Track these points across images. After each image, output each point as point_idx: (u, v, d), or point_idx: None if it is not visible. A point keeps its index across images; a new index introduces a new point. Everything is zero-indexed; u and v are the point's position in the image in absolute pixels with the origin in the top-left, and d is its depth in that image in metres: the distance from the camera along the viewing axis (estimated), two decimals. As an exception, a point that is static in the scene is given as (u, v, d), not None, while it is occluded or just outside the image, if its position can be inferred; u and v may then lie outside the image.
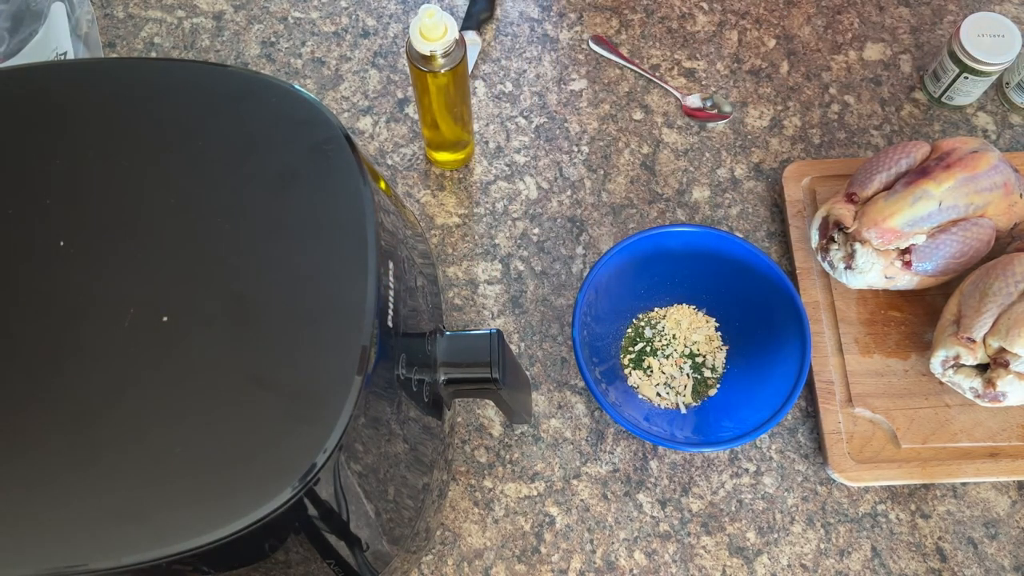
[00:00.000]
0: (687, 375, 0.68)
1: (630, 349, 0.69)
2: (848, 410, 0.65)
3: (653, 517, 0.64)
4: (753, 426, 0.60)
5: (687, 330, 0.69)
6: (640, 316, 0.70)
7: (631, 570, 0.62)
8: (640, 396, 0.67)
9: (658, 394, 0.67)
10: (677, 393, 0.67)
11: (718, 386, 0.67)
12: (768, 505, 0.64)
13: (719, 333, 0.69)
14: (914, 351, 0.68)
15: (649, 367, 0.68)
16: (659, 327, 0.70)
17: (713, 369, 0.68)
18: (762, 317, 0.66)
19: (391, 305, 0.42)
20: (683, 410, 0.67)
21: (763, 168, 0.77)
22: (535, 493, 0.65)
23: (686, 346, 0.69)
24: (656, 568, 0.63)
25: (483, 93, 0.80)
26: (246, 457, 0.36)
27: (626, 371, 0.68)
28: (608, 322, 0.68)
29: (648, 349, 0.69)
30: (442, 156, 0.75)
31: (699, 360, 0.68)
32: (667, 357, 0.68)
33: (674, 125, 0.79)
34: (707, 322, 0.70)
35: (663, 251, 0.67)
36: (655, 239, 0.66)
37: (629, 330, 0.70)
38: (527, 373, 0.69)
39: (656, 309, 0.70)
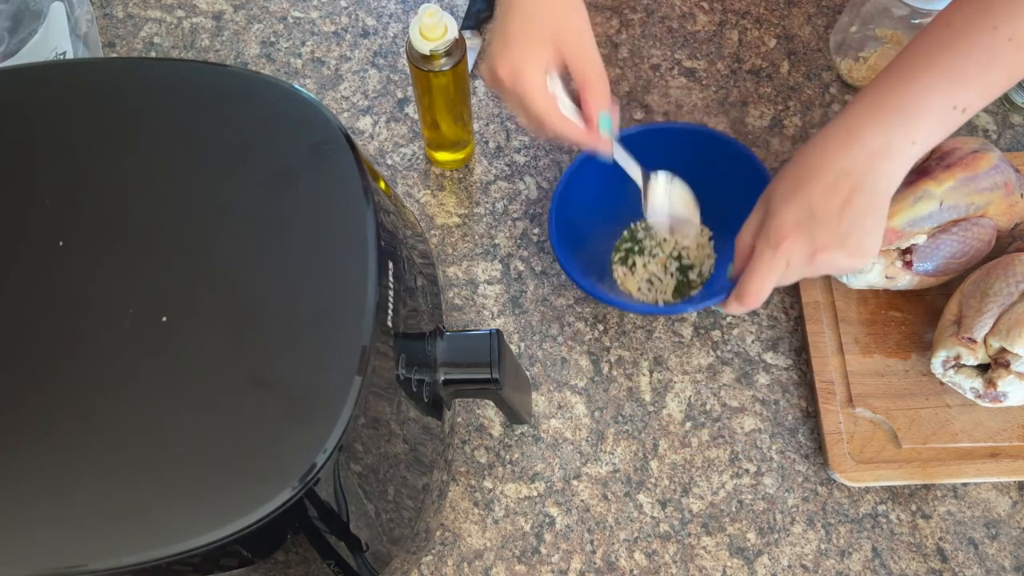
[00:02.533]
0: (671, 275, 0.70)
1: (620, 248, 0.72)
2: (848, 410, 0.65)
3: (653, 517, 0.64)
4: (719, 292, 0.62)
5: (679, 236, 0.71)
6: (638, 223, 0.72)
7: (631, 571, 0.62)
8: (622, 289, 0.70)
9: (639, 289, 0.70)
10: (659, 292, 0.70)
11: (701, 289, 0.69)
12: (768, 505, 0.64)
13: (712, 243, 0.71)
14: (915, 351, 0.67)
15: (634, 264, 0.71)
16: (652, 232, 0.72)
17: (699, 274, 0.70)
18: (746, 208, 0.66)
19: (391, 305, 0.42)
20: (660, 304, 0.69)
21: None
22: (535, 493, 0.65)
23: (675, 250, 0.71)
24: (656, 569, 0.62)
25: (483, 93, 0.80)
26: (246, 457, 0.36)
27: (612, 266, 0.71)
28: (604, 225, 0.70)
29: (636, 249, 0.71)
30: (442, 156, 0.75)
31: (686, 263, 0.71)
32: (654, 257, 0.71)
33: (674, 125, 0.79)
34: (701, 232, 0.71)
35: (660, 154, 0.67)
36: (648, 135, 0.67)
37: (625, 232, 0.72)
38: (527, 373, 0.69)
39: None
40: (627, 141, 0.63)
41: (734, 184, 0.67)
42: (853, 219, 0.53)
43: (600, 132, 0.57)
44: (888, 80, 0.53)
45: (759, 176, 0.65)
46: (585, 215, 0.68)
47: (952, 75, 0.51)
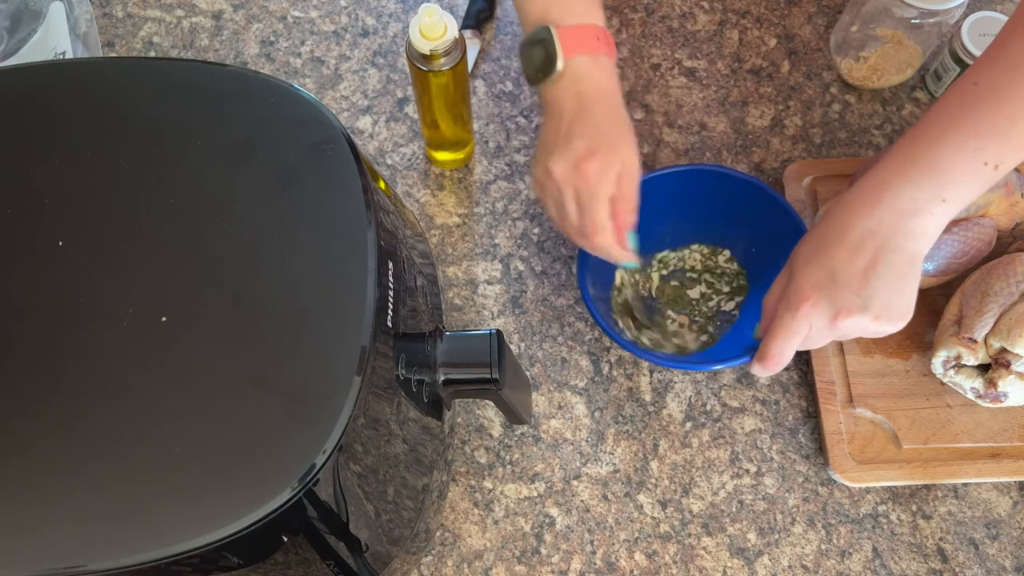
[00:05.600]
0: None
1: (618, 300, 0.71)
2: (849, 410, 0.65)
3: (654, 518, 0.64)
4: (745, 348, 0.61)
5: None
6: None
7: (631, 571, 0.62)
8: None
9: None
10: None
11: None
12: (769, 506, 0.64)
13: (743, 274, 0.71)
14: (915, 351, 0.67)
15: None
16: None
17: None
18: (776, 255, 0.66)
19: (391, 305, 0.42)
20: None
21: (764, 168, 0.77)
22: (535, 494, 0.65)
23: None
24: (656, 569, 0.62)
25: (483, 92, 0.80)
26: (246, 457, 0.36)
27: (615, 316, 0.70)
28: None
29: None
30: (442, 156, 0.75)
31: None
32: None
33: (675, 125, 0.79)
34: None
35: (699, 195, 0.67)
36: (689, 176, 0.67)
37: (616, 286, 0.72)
38: (527, 373, 0.69)
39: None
40: (667, 180, 0.63)
41: (772, 236, 0.67)
42: (878, 281, 0.51)
43: (628, 245, 0.59)
44: (915, 139, 0.52)
45: (795, 229, 0.65)
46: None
47: (980, 133, 0.49)
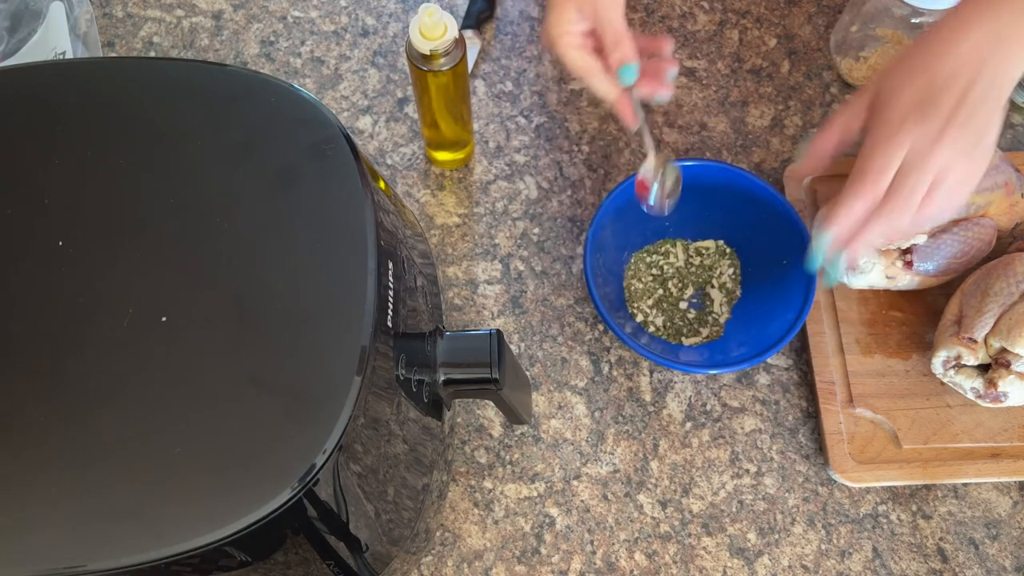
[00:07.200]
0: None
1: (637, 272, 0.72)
2: (849, 410, 0.65)
3: (654, 518, 0.64)
4: (757, 350, 0.62)
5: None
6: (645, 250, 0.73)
7: (631, 571, 0.62)
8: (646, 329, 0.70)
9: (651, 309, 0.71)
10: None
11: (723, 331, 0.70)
12: (769, 506, 0.64)
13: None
14: (915, 351, 0.67)
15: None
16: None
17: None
18: (774, 254, 0.67)
19: (391, 305, 0.42)
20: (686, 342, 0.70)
21: (764, 168, 0.77)
22: (535, 494, 0.65)
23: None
24: (656, 569, 0.62)
25: (483, 92, 0.80)
26: (245, 457, 0.36)
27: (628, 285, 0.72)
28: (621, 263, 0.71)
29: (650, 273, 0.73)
30: (442, 156, 0.75)
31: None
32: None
33: (675, 125, 0.79)
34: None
35: (700, 190, 0.68)
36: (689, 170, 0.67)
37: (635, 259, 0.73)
38: (527, 373, 0.69)
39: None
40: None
41: (768, 234, 0.67)
42: (973, 109, 0.49)
43: (619, 82, 0.59)
44: None
45: (793, 228, 0.65)
46: (614, 249, 0.69)
47: None
